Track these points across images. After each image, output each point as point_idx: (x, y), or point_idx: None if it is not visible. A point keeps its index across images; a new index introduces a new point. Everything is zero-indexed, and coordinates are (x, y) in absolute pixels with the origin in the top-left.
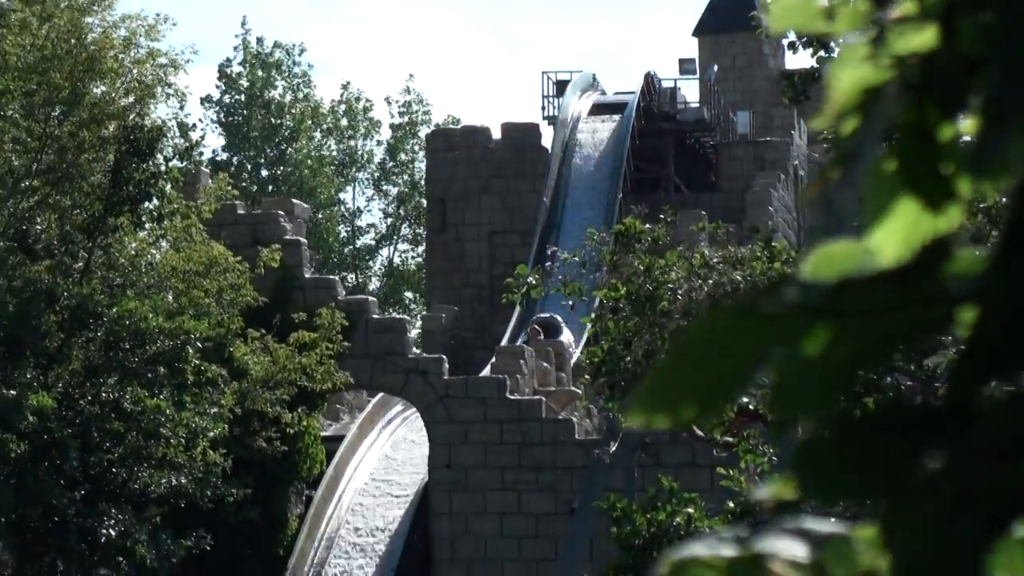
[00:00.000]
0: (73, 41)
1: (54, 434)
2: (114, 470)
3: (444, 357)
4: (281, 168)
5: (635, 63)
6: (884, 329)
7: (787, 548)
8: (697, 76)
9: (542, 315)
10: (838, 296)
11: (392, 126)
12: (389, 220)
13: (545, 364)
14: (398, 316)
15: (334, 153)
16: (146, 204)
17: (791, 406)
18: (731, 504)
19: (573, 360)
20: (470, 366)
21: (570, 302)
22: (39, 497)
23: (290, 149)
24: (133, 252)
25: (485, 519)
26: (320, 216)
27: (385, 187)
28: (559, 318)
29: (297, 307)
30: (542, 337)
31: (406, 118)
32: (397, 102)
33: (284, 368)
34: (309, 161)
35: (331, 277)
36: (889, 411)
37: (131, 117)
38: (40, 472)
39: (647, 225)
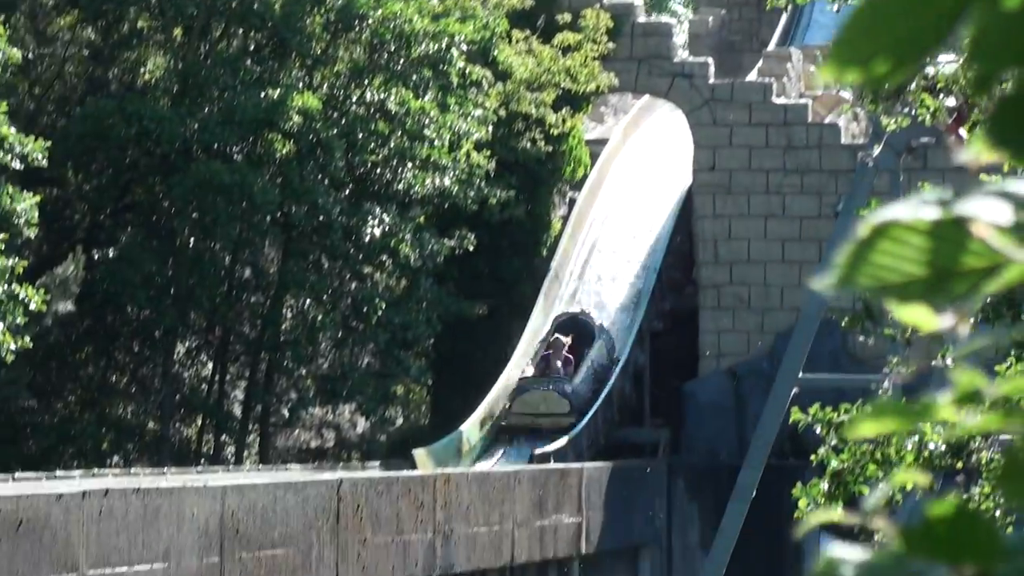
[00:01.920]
0: None
1: (319, 134)
2: (378, 171)
3: (710, 60)
4: None
5: None
6: None
7: (991, 210)
8: None
9: (570, 312)
10: None
11: None
12: None
13: (812, 68)
14: (664, 20)
15: None
16: None
17: (990, 62)
18: None
19: None
20: (737, 70)
21: (835, 6)
22: (304, 196)
23: None
24: None
25: (749, 221)
26: None
27: None
28: (590, 316)
29: (562, 9)
30: (566, 345)
31: None
32: None
33: (548, 70)
34: None
35: None
36: None
37: None
38: (305, 171)
39: None
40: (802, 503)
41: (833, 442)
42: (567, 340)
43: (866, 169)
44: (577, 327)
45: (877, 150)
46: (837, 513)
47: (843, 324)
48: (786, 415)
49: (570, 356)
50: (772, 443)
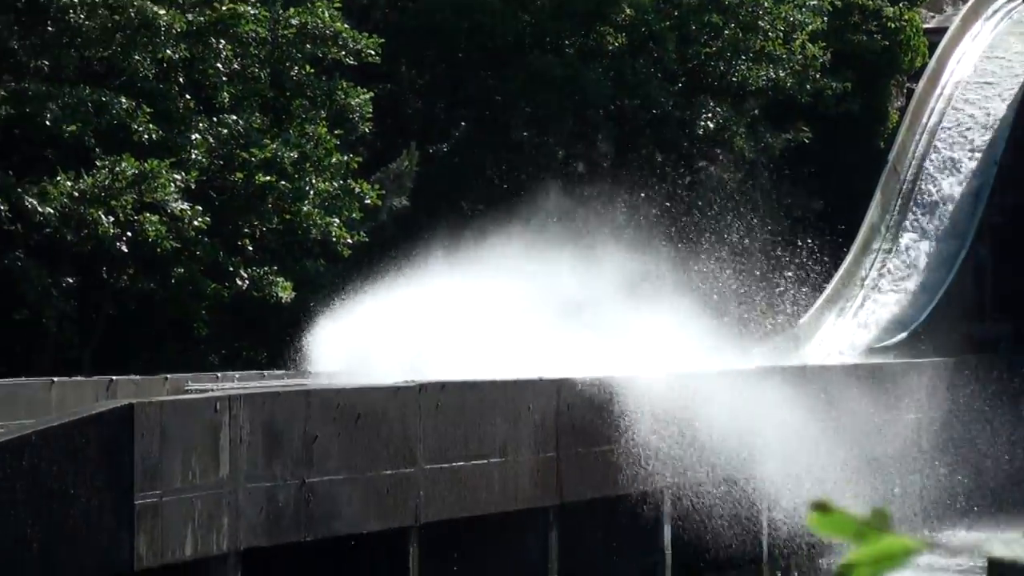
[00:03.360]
0: None
1: (651, 26)
2: (712, 63)
3: None
4: None
5: None
6: None
7: None
8: None
9: None
10: None
11: None
12: None
13: None
14: None
15: None
16: None
17: None
18: None
19: None
20: None
21: None
22: (637, 89)
23: None
24: None
25: None
26: None
27: None
28: None
29: None
30: None
31: None
32: None
33: None
34: None
35: None
36: None
37: None
38: (638, 64)
39: None
40: None
41: None
42: None
43: None
44: None
45: None
46: None
47: None
48: None
49: None
50: None
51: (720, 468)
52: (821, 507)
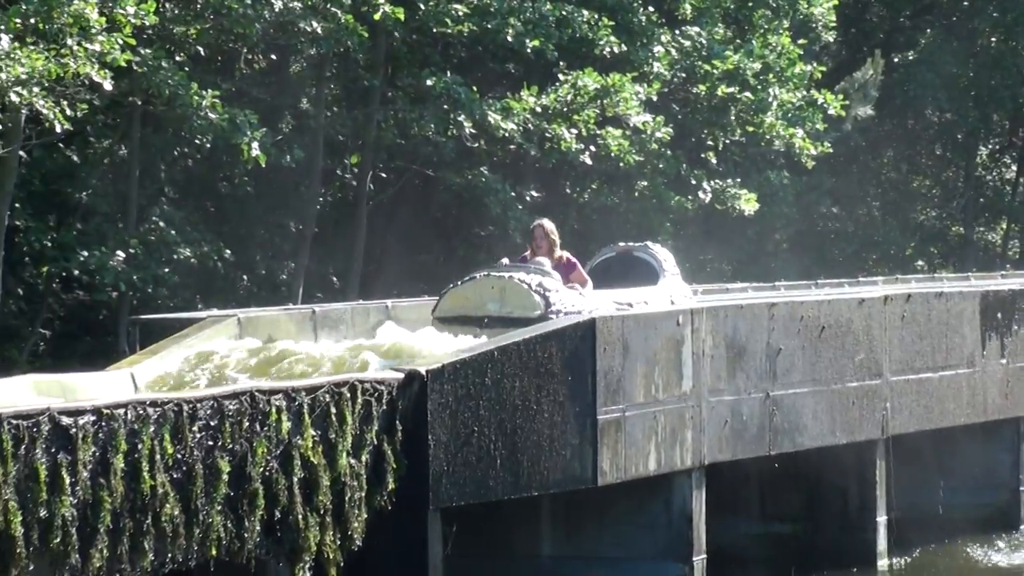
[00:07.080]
0: None
1: None
2: None
3: None
4: None
5: None
6: None
7: None
8: None
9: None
10: None
11: None
12: None
13: None
14: None
15: None
16: None
17: None
18: None
19: None
20: None
21: None
22: None
23: None
24: None
25: None
26: None
27: None
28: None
29: None
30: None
31: None
32: None
33: None
34: None
35: None
36: None
37: None
38: None
39: None
40: None
41: None
42: (550, 227)
43: None
44: (628, 266)
45: None
46: None
47: None
48: None
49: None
50: None
51: None
52: None
